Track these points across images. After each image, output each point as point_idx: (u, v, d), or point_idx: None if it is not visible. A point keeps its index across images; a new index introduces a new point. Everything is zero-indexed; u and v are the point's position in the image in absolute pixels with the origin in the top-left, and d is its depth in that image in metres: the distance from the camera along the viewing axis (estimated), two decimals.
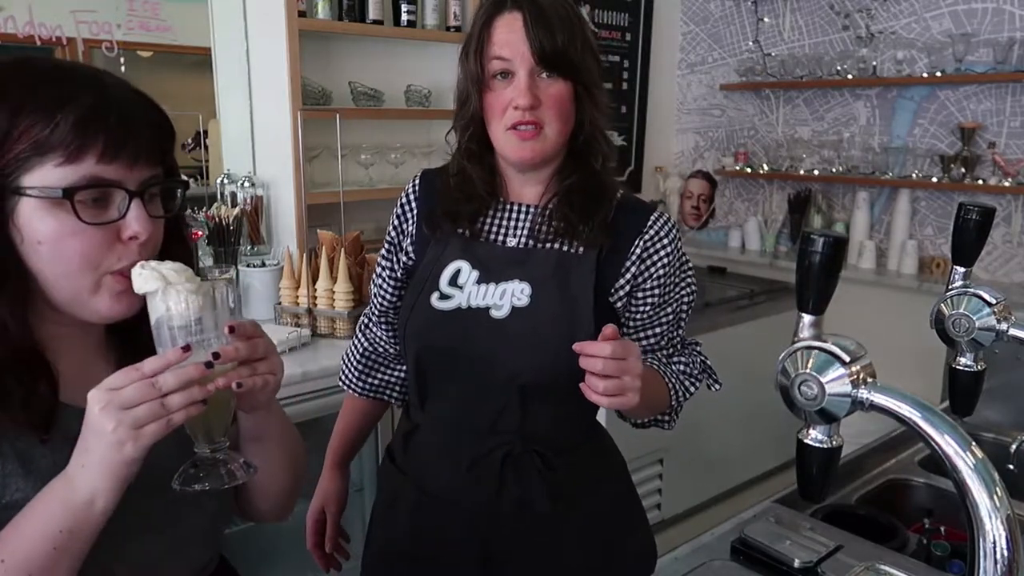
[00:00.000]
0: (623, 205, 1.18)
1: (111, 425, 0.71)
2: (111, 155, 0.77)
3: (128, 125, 0.78)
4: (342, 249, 2.25)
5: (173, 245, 0.89)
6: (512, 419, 1.14)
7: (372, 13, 2.52)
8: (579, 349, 0.99)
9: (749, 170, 3.82)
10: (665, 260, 1.17)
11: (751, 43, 3.84)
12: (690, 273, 1.23)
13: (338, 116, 2.45)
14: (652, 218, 1.17)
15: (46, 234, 0.77)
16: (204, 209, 2.51)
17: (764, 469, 3.29)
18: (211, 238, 2.41)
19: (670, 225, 1.19)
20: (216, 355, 0.75)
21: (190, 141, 3.50)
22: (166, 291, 0.75)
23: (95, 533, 0.75)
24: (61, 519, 0.73)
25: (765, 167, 3.78)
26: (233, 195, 2.54)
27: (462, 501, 1.17)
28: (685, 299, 1.23)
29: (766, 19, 3.79)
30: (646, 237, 1.16)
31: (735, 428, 2.96)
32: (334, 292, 2.23)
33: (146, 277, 0.75)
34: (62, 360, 0.84)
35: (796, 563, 1.16)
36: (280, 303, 2.29)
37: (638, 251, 1.16)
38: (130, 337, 0.89)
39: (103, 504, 0.74)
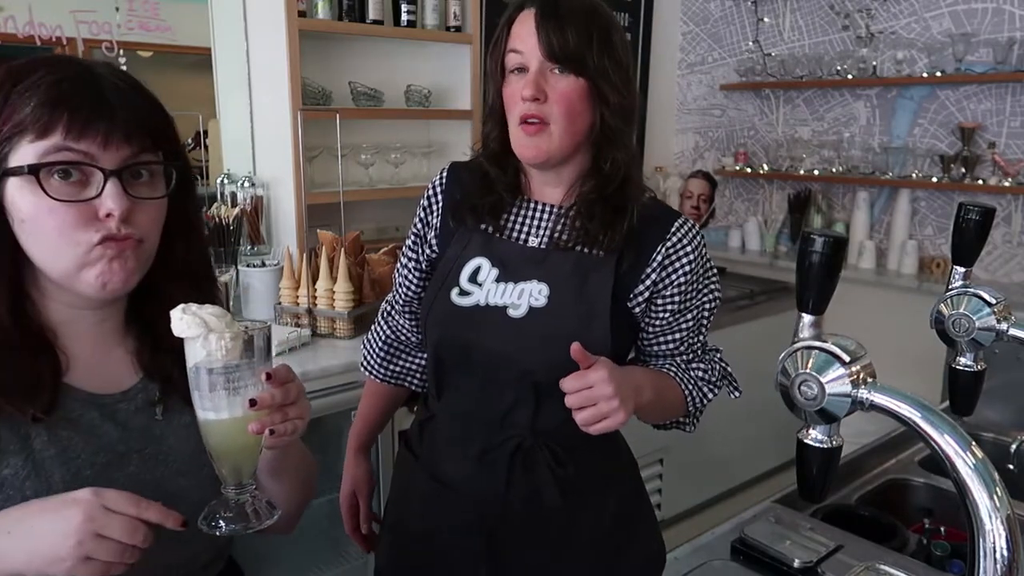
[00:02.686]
0: (647, 211, 1.17)
1: (74, 540, 0.70)
2: (78, 130, 0.78)
3: (97, 102, 0.79)
4: (342, 249, 2.25)
5: (177, 240, 0.89)
6: (524, 413, 1.15)
7: (372, 13, 2.52)
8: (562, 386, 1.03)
9: (749, 170, 3.82)
10: (687, 268, 1.16)
11: (751, 43, 3.84)
12: (714, 280, 1.22)
13: (338, 116, 2.45)
14: (675, 225, 1.16)
15: (27, 212, 0.79)
16: (204, 209, 2.51)
17: (764, 469, 3.29)
18: (211, 238, 2.41)
19: (693, 233, 1.17)
20: (253, 401, 0.76)
21: (190, 141, 3.50)
22: (207, 337, 0.75)
23: None
24: None
25: (765, 167, 3.78)
26: (233, 195, 2.54)
27: (472, 491, 1.18)
28: (707, 306, 1.22)
29: (766, 19, 3.79)
30: (668, 245, 1.15)
31: (735, 428, 2.96)
32: (334, 292, 2.23)
33: (188, 322, 0.76)
34: (75, 343, 0.85)
35: (796, 563, 1.16)
36: (280, 303, 2.29)
37: (659, 258, 1.15)
38: (149, 325, 0.89)
39: (8, 572, 0.72)
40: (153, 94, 0.86)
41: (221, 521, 0.79)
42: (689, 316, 1.20)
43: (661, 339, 1.21)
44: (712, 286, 1.22)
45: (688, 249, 1.16)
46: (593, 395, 1.01)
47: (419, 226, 1.27)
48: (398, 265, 1.32)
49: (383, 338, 1.37)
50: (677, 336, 1.21)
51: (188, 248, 0.91)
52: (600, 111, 1.11)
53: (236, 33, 2.52)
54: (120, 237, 0.80)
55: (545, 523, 1.18)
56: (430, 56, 2.82)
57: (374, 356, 1.38)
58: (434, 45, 2.77)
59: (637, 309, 1.18)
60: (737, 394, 1.30)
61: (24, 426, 0.79)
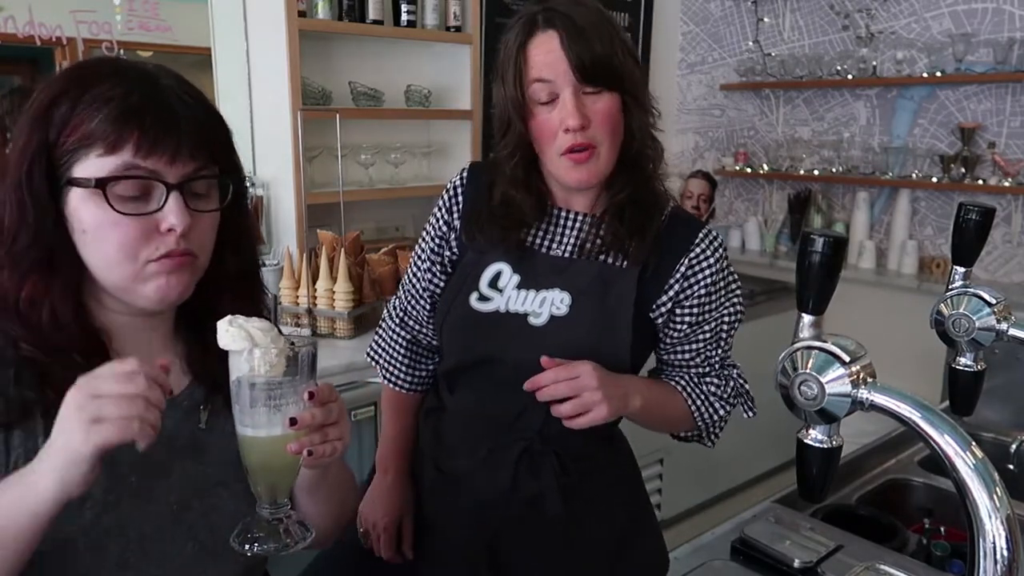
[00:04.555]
0: (672, 220, 1.16)
1: (73, 408, 0.68)
2: (147, 148, 0.78)
3: (167, 120, 0.79)
4: (342, 249, 2.25)
5: (227, 249, 0.89)
6: (535, 418, 1.14)
7: (372, 13, 2.52)
8: (528, 387, 1.03)
9: (749, 170, 3.82)
10: (708, 280, 1.15)
11: (751, 43, 3.84)
12: (736, 293, 1.20)
13: (338, 116, 2.45)
14: (700, 236, 1.15)
15: (89, 223, 0.79)
16: None
17: (764, 469, 3.28)
18: None
19: (717, 243, 1.17)
20: (293, 421, 0.75)
21: None
22: (251, 352, 0.74)
23: (30, 533, 0.70)
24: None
25: (765, 167, 3.78)
26: None
27: (477, 489, 1.18)
28: (727, 319, 1.20)
29: (766, 19, 3.79)
30: (691, 255, 1.14)
31: (735, 428, 2.94)
32: (334, 292, 2.23)
33: (233, 335, 0.75)
34: (126, 349, 0.85)
35: (796, 563, 1.16)
36: (280, 303, 2.29)
37: (683, 269, 1.14)
38: (199, 331, 0.89)
39: (47, 498, 0.69)
40: (213, 105, 0.87)
41: (255, 541, 0.78)
42: (707, 328, 1.19)
43: (678, 349, 1.20)
44: (734, 299, 1.20)
45: (710, 261, 1.15)
46: (577, 385, 1.01)
47: (443, 228, 1.22)
48: (414, 269, 1.27)
49: (404, 344, 1.30)
50: (694, 347, 1.20)
51: (238, 257, 0.91)
52: (634, 116, 1.10)
53: (236, 33, 2.52)
54: (178, 253, 0.81)
55: (548, 527, 1.17)
56: (430, 56, 2.82)
57: (398, 365, 1.30)
58: (434, 45, 2.77)
59: (659, 320, 1.16)
60: (751, 414, 1.27)
61: None
